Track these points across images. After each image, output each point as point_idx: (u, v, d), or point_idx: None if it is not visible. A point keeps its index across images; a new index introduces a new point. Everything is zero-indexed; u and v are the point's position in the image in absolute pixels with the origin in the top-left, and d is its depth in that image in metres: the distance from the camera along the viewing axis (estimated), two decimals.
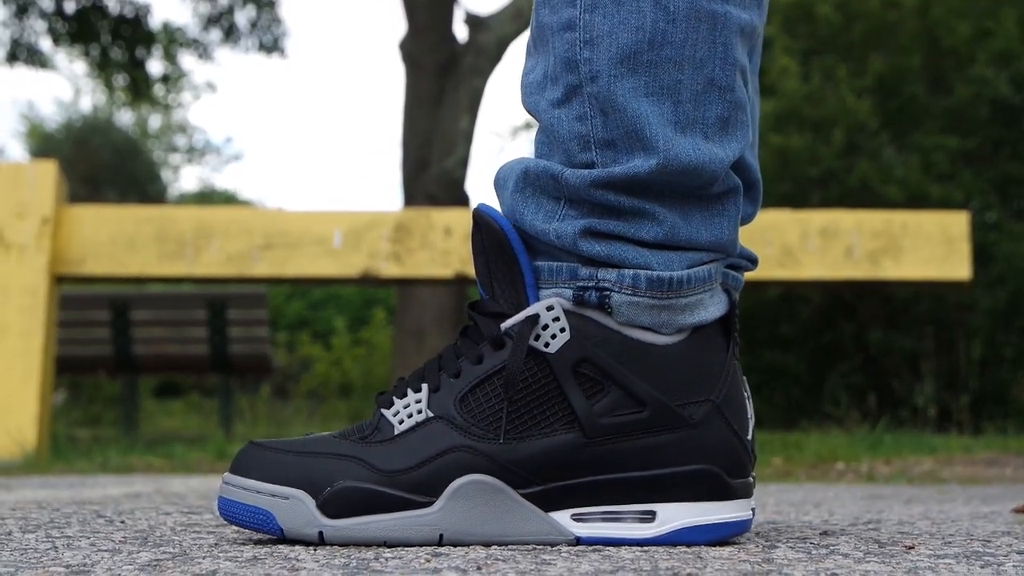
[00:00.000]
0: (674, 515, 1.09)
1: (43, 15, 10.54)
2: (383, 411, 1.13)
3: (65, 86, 41.58)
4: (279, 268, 4.37)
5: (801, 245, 4.38)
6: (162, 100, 19.53)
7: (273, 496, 1.08)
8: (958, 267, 4.49)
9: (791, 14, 11.37)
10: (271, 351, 8.61)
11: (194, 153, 28.48)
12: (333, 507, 1.06)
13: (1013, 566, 0.96)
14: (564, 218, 1.12)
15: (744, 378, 1.18)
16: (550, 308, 1.10)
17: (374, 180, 50.66)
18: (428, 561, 0.95)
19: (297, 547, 1.07)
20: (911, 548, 1.10)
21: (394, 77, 54.13)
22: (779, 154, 10.47)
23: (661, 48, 1.10)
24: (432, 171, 8.05)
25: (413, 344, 7.84)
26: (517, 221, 1.14)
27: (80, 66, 23.96)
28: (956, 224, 4.51)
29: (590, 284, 1.10)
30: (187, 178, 46.89)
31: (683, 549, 1.07)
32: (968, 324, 10.20)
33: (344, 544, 1.06)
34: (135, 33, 10.57)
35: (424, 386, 1.12)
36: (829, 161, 10.44)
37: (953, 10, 11.07)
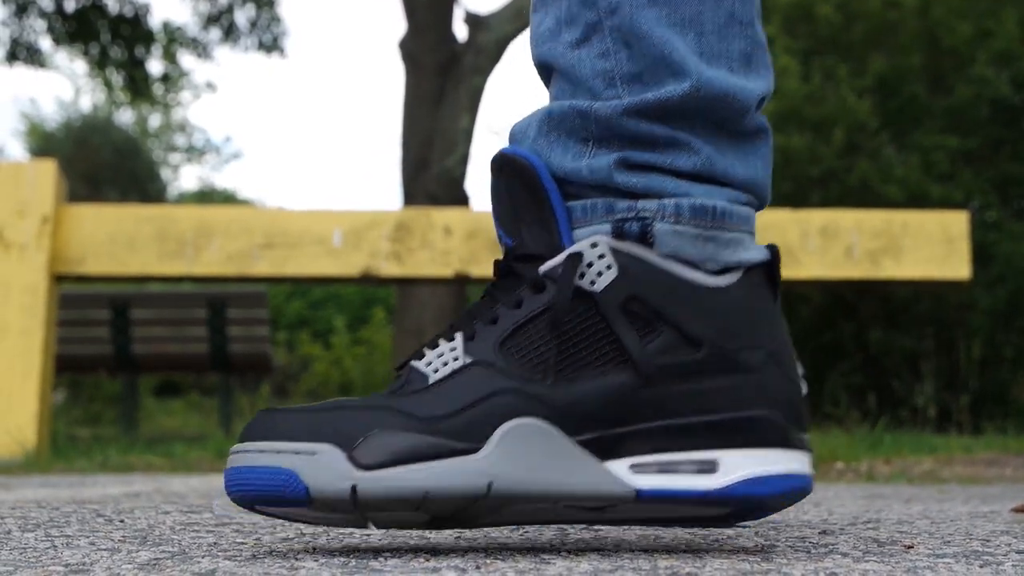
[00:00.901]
0: (738, 464, 1.00)
1: (43, 14, 10.54)
2: (413, 363, 1.03)
3: (66, 85, 41.58)
4: (279, 267, 4.37)
5: (801, 245, 4.38)
6: (162, 99, 19.52)
7: (296, 453, 0.96)
8: (958, 267, 4.49)
9: (791, 14, 11.36)
10: (271, 350, 8.61)
11: (194, 152, 28.48)
12: (368, 457, 0.95)
13: (1012, 565, 0.96)
14: (595, 155, 1.07)
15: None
16: (594, 245, 1.03)
17: (374, 179, 50.67)
18: (428, 560, 0.95)
19: (297, 545, 1.07)
20: (910, 547, 1.10)
21: (394, 76, 54.14)
22: (779, 154, 10.45)
23: None
24: (432, 170, 8.05)
25: (413, 343, 7.84)
26: None
27: (80, 65, 23.99)
28: (956, 224, 4.51)
29: (630, 215, 1.04)
30: (187, 177, 46.91)
31: (682, 548, 1.07)
32: (968, 324, 10.20)
33: (381, 502, 0.95)
34: (135, 32, 10.57)
35: (458, 335, 1.04)
36: (829, 161, 10.44)
37: (953, 10, 11.07)
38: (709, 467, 0.99)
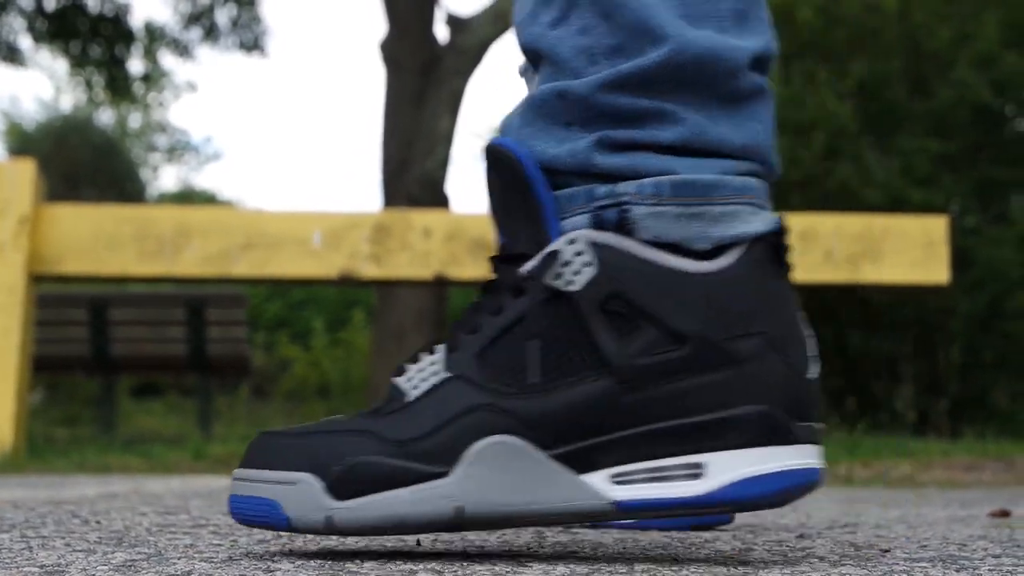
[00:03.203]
0: (726, 465, 0.93)
1: (22, 13, 10.50)
2: (395, 380, 0.99)
3: (46, 85, 41.40)
4: (258, 268, 4.37)
5: None
6: (141, 99, 19.47)
7: (279, 483, 0.96)
8: (937, 271, 4.51)
9: (772, 18, 11.39)
10: (250, 352, 8.59)
11: (174, 153, 28.39)
12: (344, 487, 0.94)
13: (989, 570, 0.96)
14: (576, 138, 0.99)
15: (803, 316, 1.02)
16: (572, 242, 0.96)
17: (354, 181, 50.58)
18: (405, 563, 0.95)
19: (273, 547, 1.06)
20: (887, 551, 1.10)
21: (375, 78, 54.07)
22: None
23: None
24: (412, 172, 8.04)
25: (393, 345, 7.83)
26: None
27: (61, 65, 23.90)
28: (935, 228, 4.54)
29: (608, 202, 0.97)
30: (166, 177, 46.70)
31: (660, 550, 1.07)
32: (948, 328, 10.23)
33: (358, 530, 0.95)
34: (115, 31, 10.54)
35: (441, 347, 0.99)
36: (809, 165, 10.46)
37: (934, 14, 11.11)
38: (695, 471, 0.93)
